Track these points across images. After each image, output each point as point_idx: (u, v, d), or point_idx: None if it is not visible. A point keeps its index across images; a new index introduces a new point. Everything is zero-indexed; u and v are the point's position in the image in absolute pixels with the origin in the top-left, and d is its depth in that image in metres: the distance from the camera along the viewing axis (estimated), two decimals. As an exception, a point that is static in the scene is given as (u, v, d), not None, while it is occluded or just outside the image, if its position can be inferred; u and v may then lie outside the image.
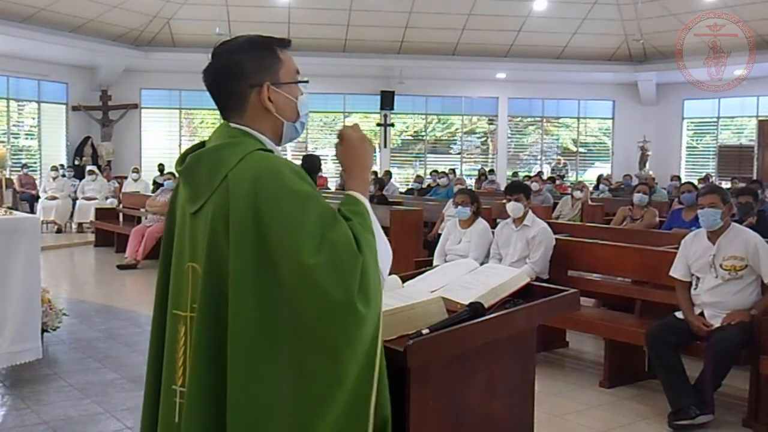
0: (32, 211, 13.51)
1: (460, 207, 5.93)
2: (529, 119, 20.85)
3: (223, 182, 1.66)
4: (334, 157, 18.79)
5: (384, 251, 1.69)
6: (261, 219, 1.59)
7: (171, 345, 1.76)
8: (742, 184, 10.35)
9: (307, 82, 1.84)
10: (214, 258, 1.65)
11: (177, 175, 1.82)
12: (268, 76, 1.76)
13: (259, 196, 1.60)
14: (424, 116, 20.12)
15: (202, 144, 1.81)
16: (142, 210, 11.17)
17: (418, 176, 17.31)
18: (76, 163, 16.70)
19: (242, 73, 1.74)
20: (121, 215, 12.51)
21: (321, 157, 18.05)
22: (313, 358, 1.59)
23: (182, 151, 1.85)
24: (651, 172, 17.60)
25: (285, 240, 1.57)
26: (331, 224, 1.60)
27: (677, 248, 4.62)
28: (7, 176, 12.53)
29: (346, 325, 1.58)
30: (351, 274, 1.57)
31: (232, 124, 1.77)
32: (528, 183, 10.32)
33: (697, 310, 4.34)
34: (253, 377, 1.59)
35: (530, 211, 5.67)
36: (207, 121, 19.07)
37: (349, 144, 1.80)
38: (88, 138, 17.29)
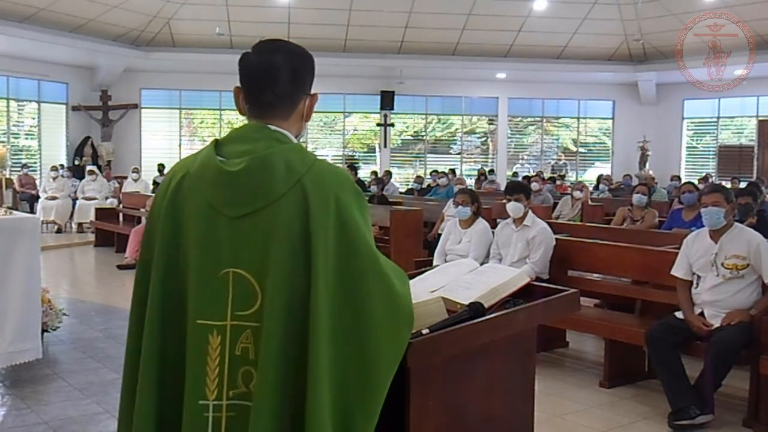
0: (32, 211, 13.51)
1: (460, 207, 5.92)
2: (529, 119, 20.84)
3: (295, 188, 1.65)
4: (335, 157, 18.72)
5: None
6: (346, 235, 1.67)
7: (197, 357, 1.66)
8: (744, 184, 10.34)
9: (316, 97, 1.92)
10: (289, 264, 1.63)
11: (220, 177, 1.70)
12: (311, 87, 1.84)
13: (341, 211, 1.67)
14: (424, 116, 20.11)
15: (216, 142, 1.77)
16: (142, 210, 11.17)
17: (418, 176, 17.30)
18: (76, 163, 16.70)
19: (303, 78, 1.81)
20: (121, 215, 12.52)
21: (321, 157, 18.23)
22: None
23: (215, 147, 1.76)
24: (651, 172, 17.60)
25: (369, 265, 1.68)
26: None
27: (677, 248, 4.62)
28: (7, 176, 12.54)
29: (404, 340, 1.73)
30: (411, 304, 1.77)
31: (272, 127, 1.76)
32: (527, 183, 10.31)
33: (697, 310, 4.34)
34: (324, 375, 1.61)
35: (530, 211, 5.66)
36: (207, 121, 19.08)
37: None
38: (88, 138, 17.29)
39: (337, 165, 1.84)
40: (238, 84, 1.82)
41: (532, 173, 16.65)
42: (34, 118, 17.16)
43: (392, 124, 19.32)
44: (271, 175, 1.66)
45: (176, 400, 1.70)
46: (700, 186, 8.60)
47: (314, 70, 1.84)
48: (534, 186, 10.35)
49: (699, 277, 4.37)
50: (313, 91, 1.85)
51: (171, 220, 1.74)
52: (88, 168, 14.94)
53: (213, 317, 1.66)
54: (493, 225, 6.29)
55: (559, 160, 20.23)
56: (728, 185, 12.76)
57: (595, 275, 5.70)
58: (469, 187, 10.21)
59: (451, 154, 20.43)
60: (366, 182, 14.70)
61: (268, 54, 1.77)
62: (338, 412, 1.63)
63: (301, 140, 1.87)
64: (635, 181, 14.27)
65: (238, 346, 1.66)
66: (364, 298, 1.65)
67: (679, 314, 4.41)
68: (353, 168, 15.38)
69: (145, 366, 1.71)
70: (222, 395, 1.66)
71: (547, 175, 17.47)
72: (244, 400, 1.65)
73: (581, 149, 20.88)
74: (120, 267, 9.78)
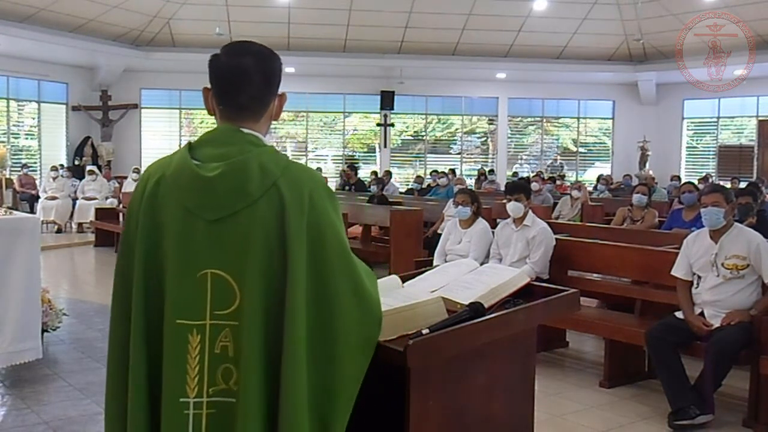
0: (32, 211, 13.51)
1: (460, 207, 5.92)
2: (529, 119, 20.84)
3: (271, 190, 1.68)
4: (335, 157, 18.66)
5: None
6: (319, 234, 1.70)
7: (176, 356, 1.69)
8: (744, 184, 10.34)
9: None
10: (266, 264, 1.67)
11: (197, 180, 1.71)
12: (279, 87, 1.85)
13: (315, 211, 1.70)
14: (424, 116, 20.11)
15: (189, 145, 1.78)
16: (142, 210, 11.15)
17: (418, 176, 17.29)
18: (76, 163, 16.70)
19: (274, 80, 1.82)
20: (121, 215, 12.50)
21: (321, 157, 18.01)
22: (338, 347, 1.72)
23: (189, 150, 1.76)
24: (651, 172, 17.60)
25: (340, 263, 1.73)
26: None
27: (677, 248, 4.62)
28: (7, 176, 12.54)
29: (374, 338, 1.78)
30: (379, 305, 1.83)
31: (245, 130, 1.78)
32: (527, 182, 10.31)
33: (697, 310, 4.34)
34: (302, 372, 1.65)
35: (530, 211, 5.67)
36: (207, 121, 19.06)
37: None
38: (88, 138, 17.29)
39: (314, 170, 1.84)
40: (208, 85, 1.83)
41: (531, 173, 16.65)
42: (34, 118, 17.16)
43: (392, 124, 19.32)
44: (247, 179, 1.69)
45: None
46: (700, 186, 8.60)
47: (281, 70, 1.85)
48: (534, 186, 10.35)
49: (699, 277, 4.37)
50: (281, 91, 1.87)
51: (149, 223, 1.76)
52: (88, 168, 14.94)
53: (192, 317, 1.70)
54: (493, 225, 6.28)
55: (555, 161, 20.23)
56: (728, 185, 12.77)
57: (595, 275, 5.70)
58: (469, 187, 10.21)
59: (451, 154, 20.43)
60: (366, 182, 14.69)
61: (240, 57, 1.78)
62: (315, 409, 1.67)
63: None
64: (635, 181, 14.27)
65: (217, 345, 1.69)
66: (334, 295, 1.71)
67: (679, 314, 4.41)
68: (353, 168, 15.37)
69: (134, 366, 1.73)
70: (202, 392, 1.69)
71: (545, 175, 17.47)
72: (225, 397, 1.69)
73: (581, 149, 20.88)
74: (120, 267, 9.77)
